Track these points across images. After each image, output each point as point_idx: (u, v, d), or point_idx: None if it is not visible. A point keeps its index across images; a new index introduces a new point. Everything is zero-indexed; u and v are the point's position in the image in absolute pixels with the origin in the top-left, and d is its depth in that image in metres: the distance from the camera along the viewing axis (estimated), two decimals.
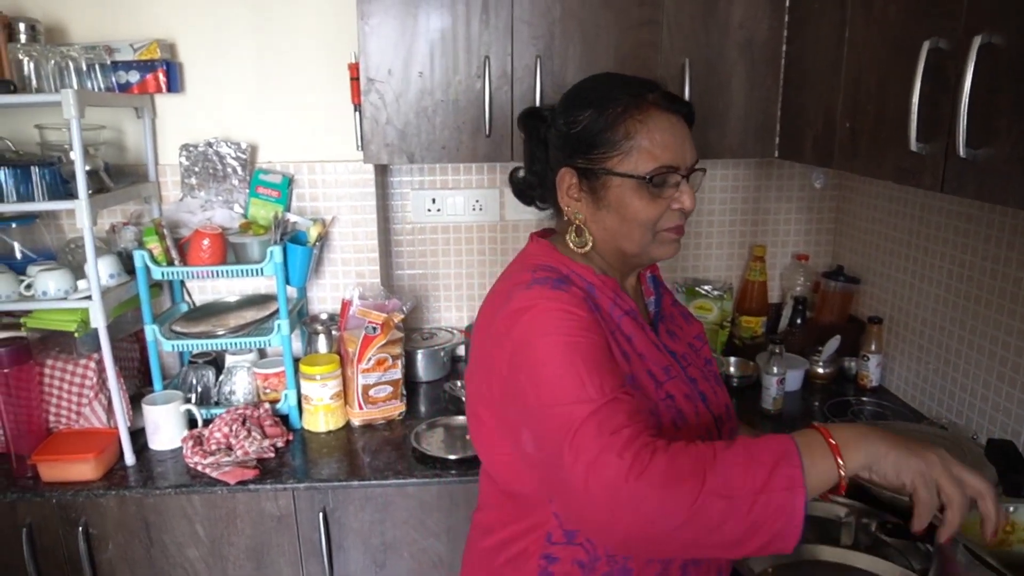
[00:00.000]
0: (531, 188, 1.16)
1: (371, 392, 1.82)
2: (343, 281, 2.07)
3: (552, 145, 1.08)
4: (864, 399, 1.92)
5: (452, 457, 1.65)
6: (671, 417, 1.02)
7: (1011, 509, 0.95)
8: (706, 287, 2.18)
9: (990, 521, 0.81)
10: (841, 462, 0.81)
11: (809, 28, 1.62)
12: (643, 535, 0.82)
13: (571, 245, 1.07)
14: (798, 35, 1.68)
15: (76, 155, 1.48)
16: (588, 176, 1.04)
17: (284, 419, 1.84)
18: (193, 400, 1.84)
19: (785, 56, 1.74)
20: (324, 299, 2.09)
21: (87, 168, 1.51)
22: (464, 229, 2.20)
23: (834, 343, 1.99)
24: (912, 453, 0.82)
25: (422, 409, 1.95)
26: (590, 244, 1.06)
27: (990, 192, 1.05)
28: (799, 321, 2.13)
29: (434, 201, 2.17)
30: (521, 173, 1.18)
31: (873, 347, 1.95)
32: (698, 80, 1.73)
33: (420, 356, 2.06)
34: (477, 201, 2.17)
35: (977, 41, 1.03)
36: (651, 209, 1.02)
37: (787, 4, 1.71)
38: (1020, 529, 0.93)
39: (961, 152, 1.06)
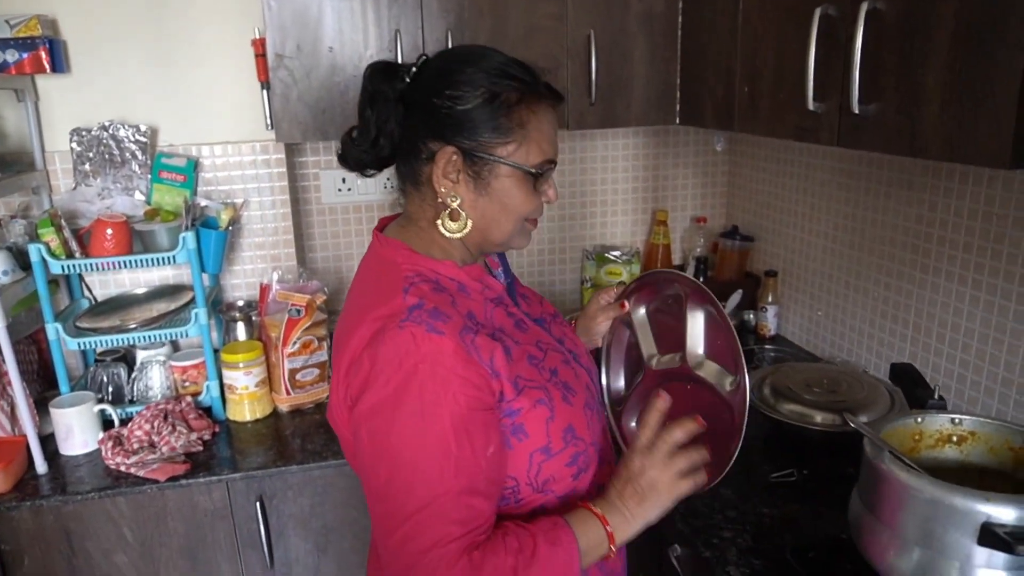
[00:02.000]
0: (377, 149, 1.01)
1: (298, 376, 1.79)
2: (257, 266, 2.01)
3: (418, 110, 0.98)
4: (766, 347, 2.08)
5: None
6: (560, 393, 1.01)
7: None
8: (614, 253, 2.28)
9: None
10: (613, 548, 0.95)
11: (703, 1, 1.73)
12: None
13: (444, 231, 0.99)
14: (692, 6, 1.79)
15: None
16: (474, 159, 0.97)
17: (207, 411, 1.78)
18: (106, 400, 1.75)
19: (681, 28, 1.84)
20: (237, 286, 2.02)
21: None
22: (376, 208, 2.19)
23: (736, 297, 2.14)
24: (646, 490, 0.97)
25: None
26: (468, 228, 0.99)
27: (882, 143, 1.17)
28: (701, 279, 2.27)
29: (344, 180, 2.14)
30: (356, 134, 1.03)
31: (770, 299, 2.12)
32: (603, 52, 1.80)
33: None
34: (388, 179, 2.13)
35: (864, 7, 1.14)
36: (531, 201, 1.00)
37: None
38: (927, 436, 1.06)
39: (855, 108, 1.18)
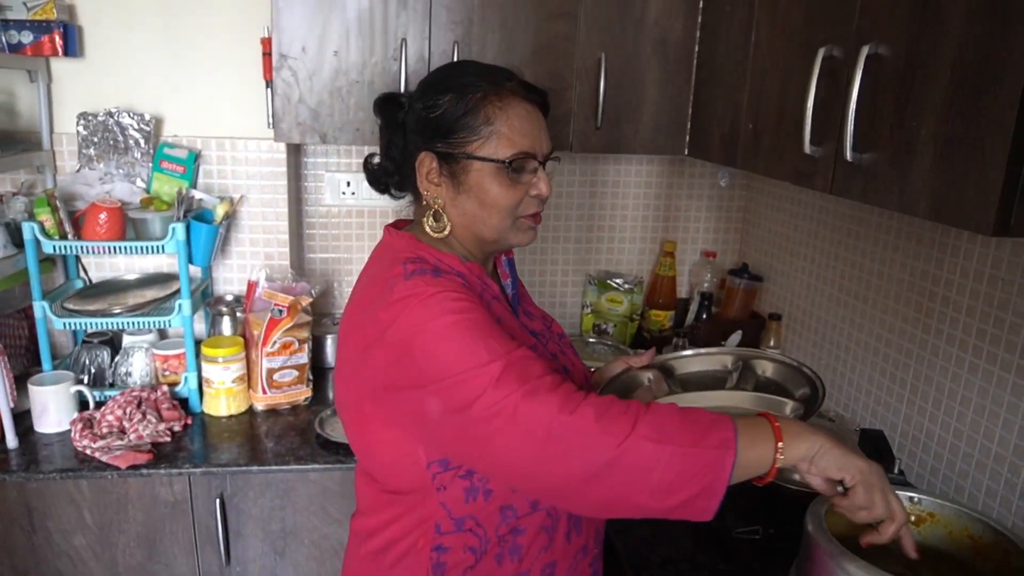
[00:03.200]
0: (388, 175, 1.13)
1: (275, 376, 1.78)
2: (251, 262, 2.01)
3: (410, 130, 1.07)
4: None
5: None
6: None
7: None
8: (617, 280, 2.23)
9: (908, 540, 0.88)
10: (781, 445, 0.84)
11: (720, 28, 1.67)
12: (575, 472, 0.82)
13: (428, 230, 1.06)
14: (710, 35, 1.73)
15: None
16: (448, 160, 1.03)
17: (184, 403, 1.78)
18: (86, 381, 1.76)
19: (697, 56, 1.78)
20: (230, 280, 2.03)
21: None
22: (379, 214, 2.17)
23: (735, 338, 2.06)
24: (856, 454, 0.86)
25: (330, 395, 1.92)
26: (448, 229, 1.06)
27: (873, 195, 1.11)
28: (705, 316, 2.20)
29: (348, 184, 2.13)
30: (377, 159, 1.15)
31: (772, 342, 2.04)
32: (613, 75, 1.76)
33: (329, 341, 2.03)
34: None
35: (865, 50, 1.08)
36: (510, 194, 1.03)
37: (700, 4, 1.75)
38: None
39: (848, 156, 1.12)
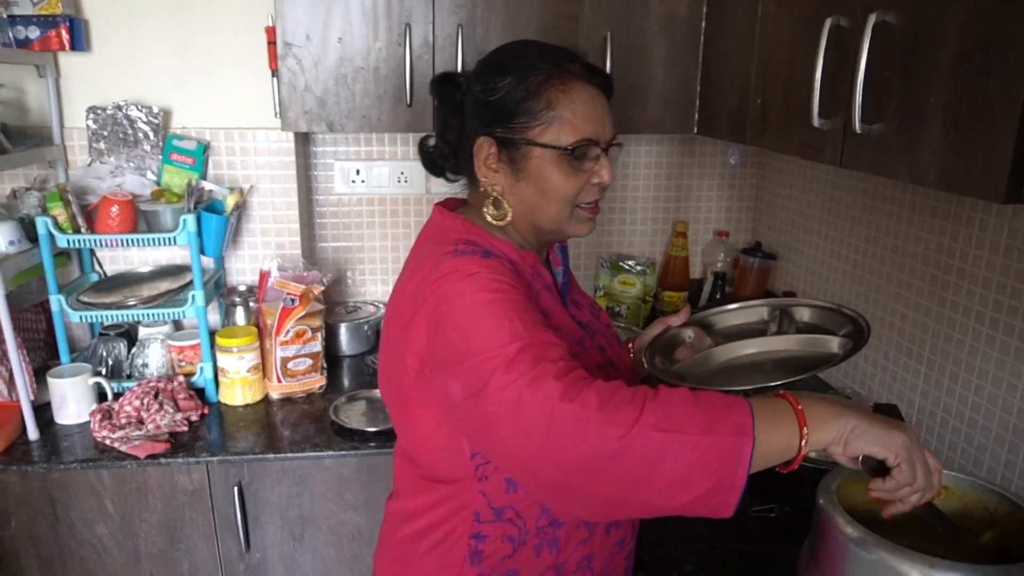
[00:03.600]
0: (444, 158, 1.10)
1: (290, 365, 1.79)
2: (262, 252, 2.02)
3: (468, 113, 1.04)
4: None
5: (371, 430, 1.65)
6: None
7: None
8: (630, 262, 2.22)
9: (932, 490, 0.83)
10: (806, 431, 0.78)
11: (727, 3, 1.65)
12: (577, 465, 0.77)
13: (489, 218, 1.03)
14: (717, 10, 1.71)
15: None
16: (507, 146, 1.00)
17: (200, 392, 1.80)
18: (104, 373, 1.79)
19: (704, 33, 1.76)
20: (243, 270, 2.04)
21: None
22: (389, 201, 2.18)
23: None
24: (894, 427, 0.80)
25: (345, 383, 1.93)
26: (509, 216, 1.02)
27: (883, 167, 1.09)
28: (719, 296, 2.18)
29: (358, 172, 2.13)
30: (432, 142, 1.11)
31: None
32: (619, 54, 1.74)
33: (343, 329, 2.04)
34: (403, 173, 2.15)
35: (872, 19, 1.06)
36: (571, 182, 0.99)
37: None
38: None
39: (857, 128, 1.10)
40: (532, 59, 1.00)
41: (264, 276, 1.83)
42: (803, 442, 0.78)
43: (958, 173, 0.93)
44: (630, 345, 1.31)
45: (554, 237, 1.08)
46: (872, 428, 0.79)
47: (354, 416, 1.71)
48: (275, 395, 1.82)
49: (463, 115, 1.05)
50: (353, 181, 2.14)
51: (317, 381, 1.84)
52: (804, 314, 1.27)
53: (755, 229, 2.33)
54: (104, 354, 1.82)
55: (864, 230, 1.76)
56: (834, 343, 1.13)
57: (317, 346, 1.82)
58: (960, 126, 0.92)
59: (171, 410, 1.66)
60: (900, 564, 0.78)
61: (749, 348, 1.22)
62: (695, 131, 1.82)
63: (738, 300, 1.36)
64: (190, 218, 1.69)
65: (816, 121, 1.21)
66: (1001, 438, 1.36)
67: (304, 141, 2.07)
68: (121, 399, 1.67)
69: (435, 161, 1.12)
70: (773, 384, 1.41)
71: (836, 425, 0.79)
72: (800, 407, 0.79)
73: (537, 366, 0.82)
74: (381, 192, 2.16)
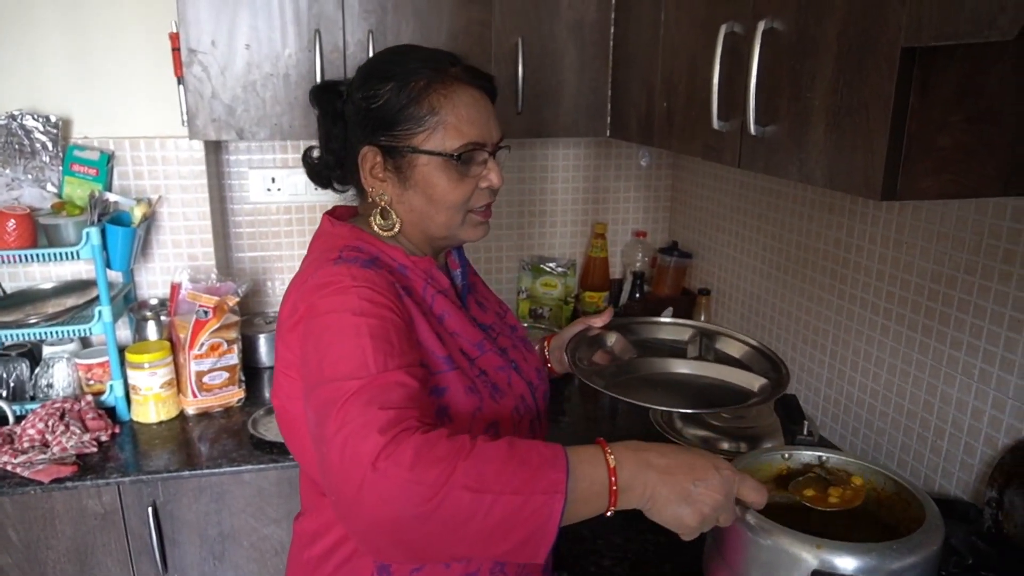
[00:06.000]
0: (329, 169, 1.07)
1: (205, 379, 1.74)
2: (175, 264, 1.97)
3: (351, 122, 1.02)
4: None
5: None
6: (488, 391, 1.01)
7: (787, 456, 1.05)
8: (551, 264, 2.24)
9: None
10: (615, 489, 0.78)
11: (632, 9, 1.69)
12: (387, 521, 0.75)
13: (376, 228, 1.01)
14: (624, 16, 1.75)
15: None
16: (393, 154, 0.98)
17: (111, 411, 1.73)
18: (5, 395, 1.70)
19: (613, 37, 1.80)
20: (155, 283, 1.98)
21: None
22: (307, 209, 2.14)
23: (666, 314, 2.10)
24: (685, 500, 0.79)
25: (265, 395, 1.89)
26: (397, 227, 1.01)
27: (775, 167, 1.14)
28: (638, 295, 2.23)
29: (274, 180, 2.10)
30: (316, 152, 1.09)
31: (702, 316, 2.08)
32: (531, 59, 1.76)
33: (263, 340, 2.00)
34: None
35: (761, 25, 1.11)
36: (459, 189, 0.98)
37: None
38: (795, 473, 1.02)
39: (752, 130, 1.15)
40: (413, 64, 0.98)
41: (176, 289, 1.78)
42: (612, 500, 0.78)
43: (840, 172, 0.98)
44: (546, 343, 1.33)
45: (447, 243, 1.07)
46: (667, 506, 0.79)
47: (274, 428, 1.68)
48: (191, 410, 1.77)
49: (346, 124, 1.03)
50: (269, 189, 2.10)
51: (235, 394, 1.80)
52: (729, 346, 1.33)
53: (671, 229, 2.39)
54: (4, 375, 1.73)
55: (771, 227, 1.83)
56: (756, 383, 1.19)
57: (234, 358, 1.78)
58: (841, 127, 0.97)
59: (78, 431, 1.60)
60: (791, 547, 0.81)
61: (675, 367, 1.27)
62: (608, 134, 1.86)
63: (673, 317, 1.48)
64: (94, 231, 1.63)
65: (716, 123, 1.25)
66: (897, 422, 1.44)
67: (216, 149, 2.02)
68: (24, 422, 1.60)
69: (320, 172, 1.09)
70: (687, 411, 1.48)
71: (638, 494, 0.79)
72: (613, 466, 0.79)
73: (366, 413, 0.78)
74: (298, 200, 2.12)
